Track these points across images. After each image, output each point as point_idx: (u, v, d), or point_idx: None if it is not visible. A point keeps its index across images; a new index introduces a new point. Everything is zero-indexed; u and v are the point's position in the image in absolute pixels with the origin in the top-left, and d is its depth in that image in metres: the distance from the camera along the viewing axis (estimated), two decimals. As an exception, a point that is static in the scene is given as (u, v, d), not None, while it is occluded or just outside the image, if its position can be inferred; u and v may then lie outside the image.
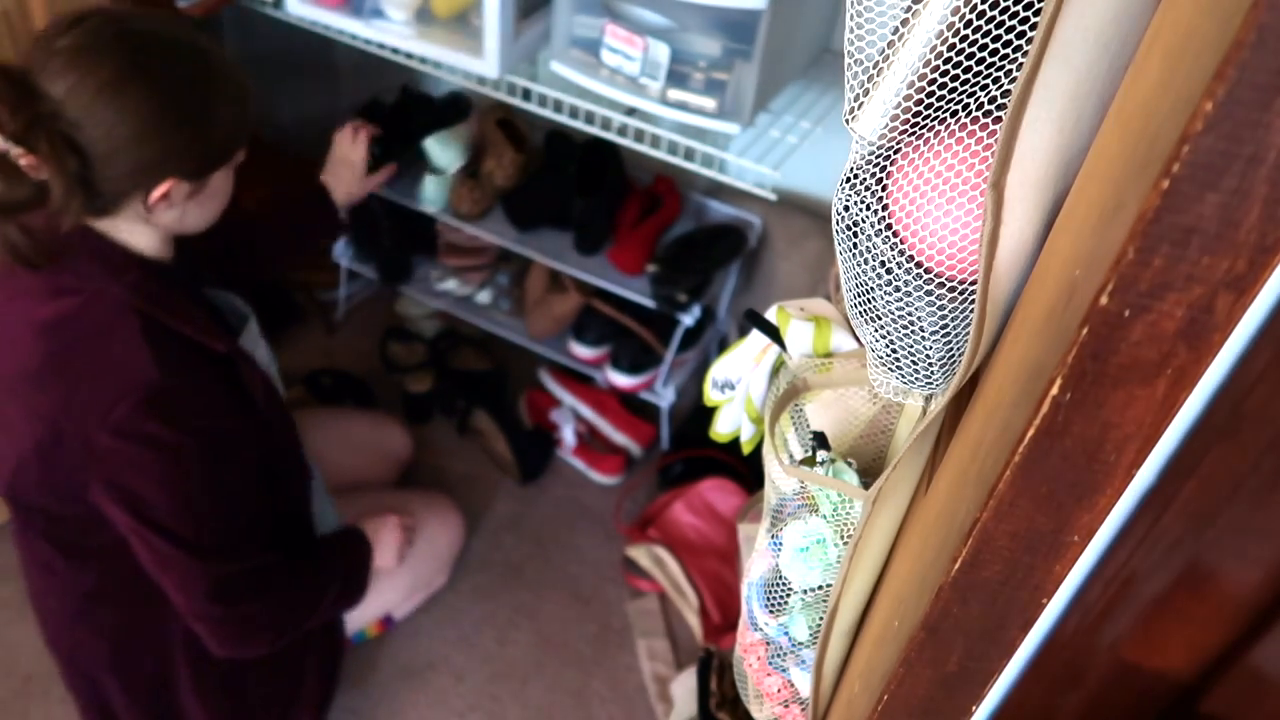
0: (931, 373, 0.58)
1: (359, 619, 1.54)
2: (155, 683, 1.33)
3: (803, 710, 0.86)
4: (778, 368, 0.89)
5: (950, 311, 0.54)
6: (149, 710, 1.34)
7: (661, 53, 1.29)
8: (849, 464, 0.75)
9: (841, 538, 0.74)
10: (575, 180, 1.75)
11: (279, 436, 1.26)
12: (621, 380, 1.82)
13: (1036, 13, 0.45)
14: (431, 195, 1.78)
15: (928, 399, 0.64)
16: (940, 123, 0.50)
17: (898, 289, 0.54)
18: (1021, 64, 0.45)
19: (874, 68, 0.49)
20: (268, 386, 1.23)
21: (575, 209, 1.72)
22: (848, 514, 0.74)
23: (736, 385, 0.93)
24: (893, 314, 0.55)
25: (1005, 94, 0.48)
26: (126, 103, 1.00)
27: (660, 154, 1.48)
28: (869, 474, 0.74)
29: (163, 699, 1.34)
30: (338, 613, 1.39)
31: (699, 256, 1.71)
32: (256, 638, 1.22)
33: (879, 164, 0.53)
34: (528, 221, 1.74)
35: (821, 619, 0.77)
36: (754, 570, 0.83)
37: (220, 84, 1.08)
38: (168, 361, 1.07)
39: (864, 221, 0.54)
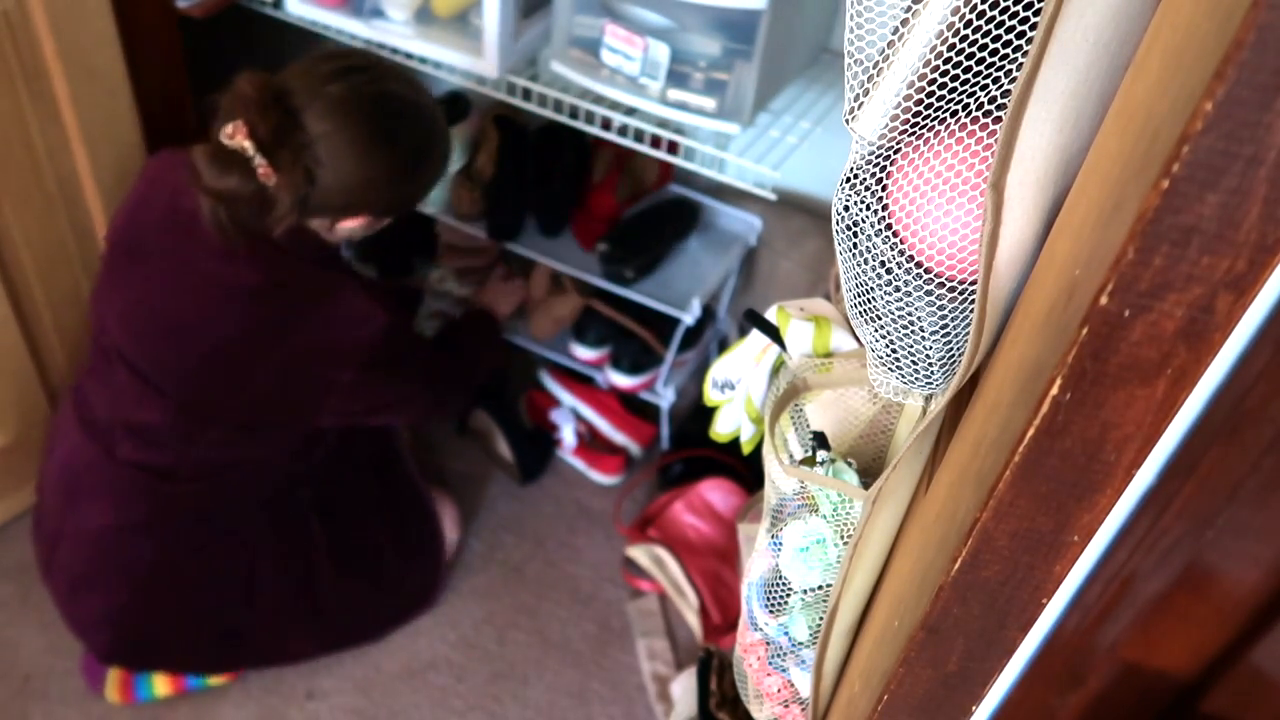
0: (931, 373, 0.58)
1: None
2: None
3: (803, 710, 0.86)
4: (778, 368, 0.89)
5: (950, 311, 0.54)
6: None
7: (661, 53, 1.29)
8: (849, 464, 0.75)
9: (841, 538, 0.74)
10: (532, 166, 1.78)
11: None
12: (622, 381, 1.82)
13: (1036, 13, 0.45)
14: (431, 195, 1.78)
15: (928, 399, 0.64)
16: (940, 123, 0.50)
17: (898, 289, 0.54)
18: (1021, 64, 0.45)
19: (874, 68, 0.49)
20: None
21: (533, 194, 1.76)
22: (848, 514, 0.74)
23: (736, 385, 0.93)
24: (893, 314, 0.55)
25: (1005, 94, 0.48)
26: (368, 161, 1.18)
27: (660, 154, 1.48)
28: (869, 474, 0.74)
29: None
30: (497, 359, 1.71)
31: (649, 235, 1.74)
32: (461, 401, 1.71)
33: (879, 164, 0.53)
34: (508, 228, 1.76)
35: (821, 619, 0.77)
36: (754, 570, 0.83)
37: (438, 148, 1.28)
38: (385, 304, 1.29)
39: (864, 221, 0.54)
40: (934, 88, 0.49)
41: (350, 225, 1.26)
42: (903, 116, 0.50)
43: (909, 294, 0.54)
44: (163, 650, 1.47)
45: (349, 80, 1.17)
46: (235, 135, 1.12)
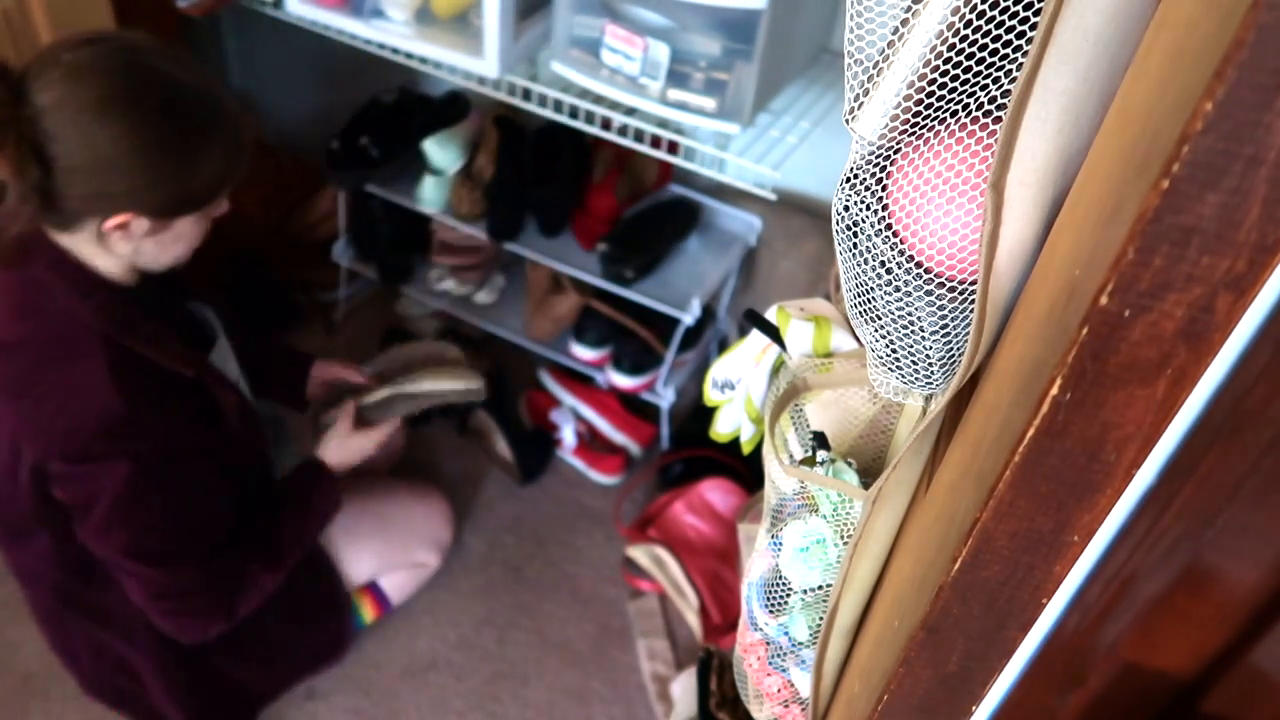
0: (931, 373, 0.58)
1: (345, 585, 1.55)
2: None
3: (803, 710, 0.86)
4: (778, 368, 0.89)
5: (950, 311, 0.54)
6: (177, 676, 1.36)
7: (661, 53, 1.29)
8: (849, 464, 0.75)
9: (841, 538, 0.74)
10: (531, 166, 1.77)
11: (246, 447, 1.29)
12: (623, 381, 1.82)
13: (1036, 13, 0.45)
14: (430, 196, 1.78)
15: (928, 399, 0.64)
16: (940, 123, 0.50)
17: (898, 289, 0.54)
18: (1021, 64, 0.45)
19: (874, 68, 0.49)
20: (240, 401, 1.25)
21: (533, 194, 1.75)
22: (848, 514, 0.74)
23: (736, 385, 0.93)
24: (893, 314, 0.55)
25: (1005, 94, 0.48)
26: (103, 129, 0.99)
27: (660, 154, 1.48)
28: (869, 474, 0.74)
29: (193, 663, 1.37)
30: (305, 546, 1.37)
31: (649, 234, 1.73)
32: (213, 622, 1.25)
33: (879, 164, 0.53)
34: (508, 228, 1.75)
35: (821, 619, 0.77)
36: (754, 570, 0.83)
37: (215, 136, 1.07)
38: (129, 389, 1.08)
39: (864, 221, 0.54)
40: (934, 88, 0.49)
41: (122, 231, 1.06)
42: (903, 116, 0.50)
43: (909, 294, 0.54)
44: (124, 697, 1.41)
45: (92, 47, 1.00)
46: None
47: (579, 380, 1.97)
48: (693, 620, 1.65)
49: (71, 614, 1.33)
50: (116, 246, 1.09)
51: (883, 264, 0.54)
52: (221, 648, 1.37)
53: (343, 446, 1.40)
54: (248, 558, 1.27)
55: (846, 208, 0.55)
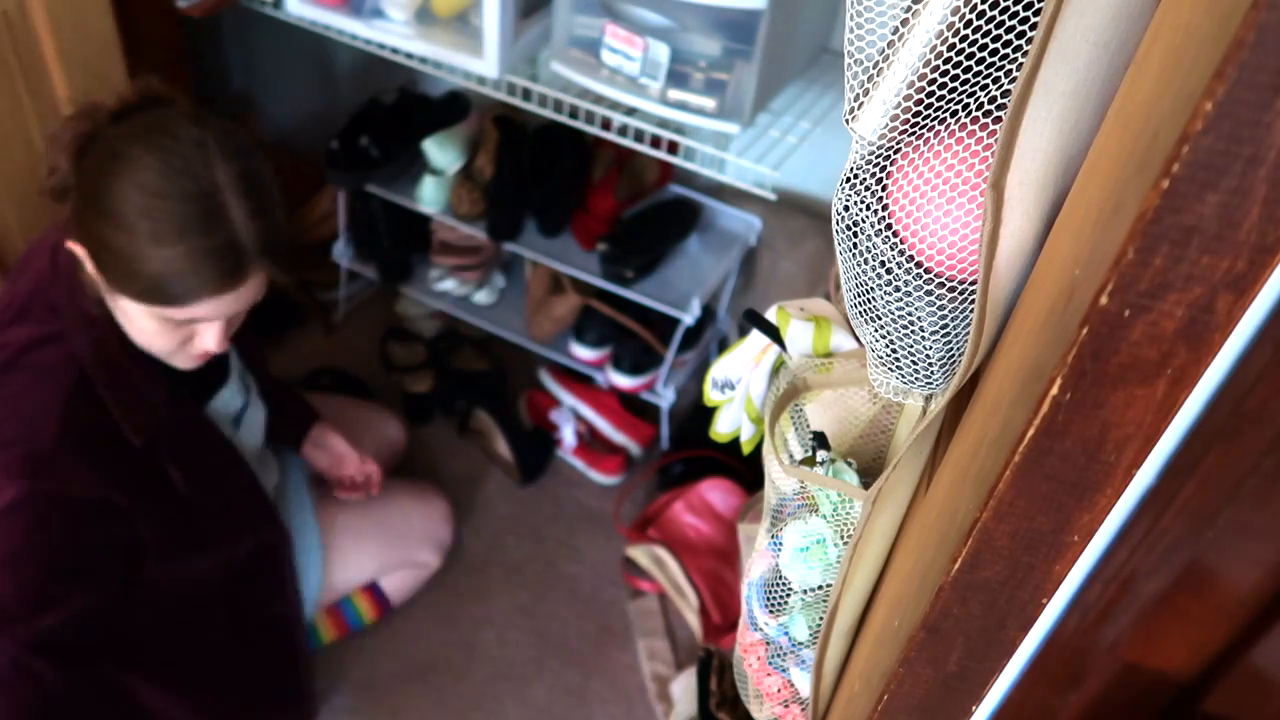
0: (931, 373, 0.58)
1: (343, 586, 1.53)
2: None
3: (803, 710, 0.86)
4: (778, 368, 0.89)
5: (950, 311, 0.54)
6: None
7: (661, 53, 1.29)
8: (849, 464, 0.75)
9: (841, 538, 0.74)
10: (531, 166, 1.77)
11: (208, 515, 1.23)
12: (623, 381, 1.82)
13: (1036, 13, 0.45)
14: (430, 196, 1.78)
15: (928, 399, 0.64)
16: (940, 123, 0.50)
17: (898, 289, 0.54)
18: (1021, 64, 0.45)
19: (874, 68, 0.49)
20: (221, 460, 1.22)
21: (532, 194, 1.75)
22: (848, 514, 0.74)
23: (736, 385, 0.93)
24: (893, 314, 0.55)
25: (1005, 94, 0.48)
26: (116, 183, 1.00)
27: (660, 154, 1.48)
28: (869, 474, 0.74)
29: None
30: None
31: (649, 234, 1.73)
32: (22, 703, 1.11)
33: (879, 164, 0.53)
34: (508, 229, 1.75)
35: (821, 619, 0.77)
36: (754, 570, 0.83)
37: (189, 244, 1.00)
38: (73, 431, 1.05)
39: (864, 221, 0.54)
40: (934, 88, 0.49)
41: (81, 260, 1.06)
42: (903, 116, 0.50)
43: (909, 294, 0.54)
44: None
45: (164, 130, 1.03)
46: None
47: (579, 380, 1.97)
48: (693, 620, 1.65)
49: None
50: (88, 275, 1.07)
51: (883, 264, 0.54)
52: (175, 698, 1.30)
53: None
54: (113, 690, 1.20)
55: (846, 208, 0.55)
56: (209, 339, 1.10)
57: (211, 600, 1.32)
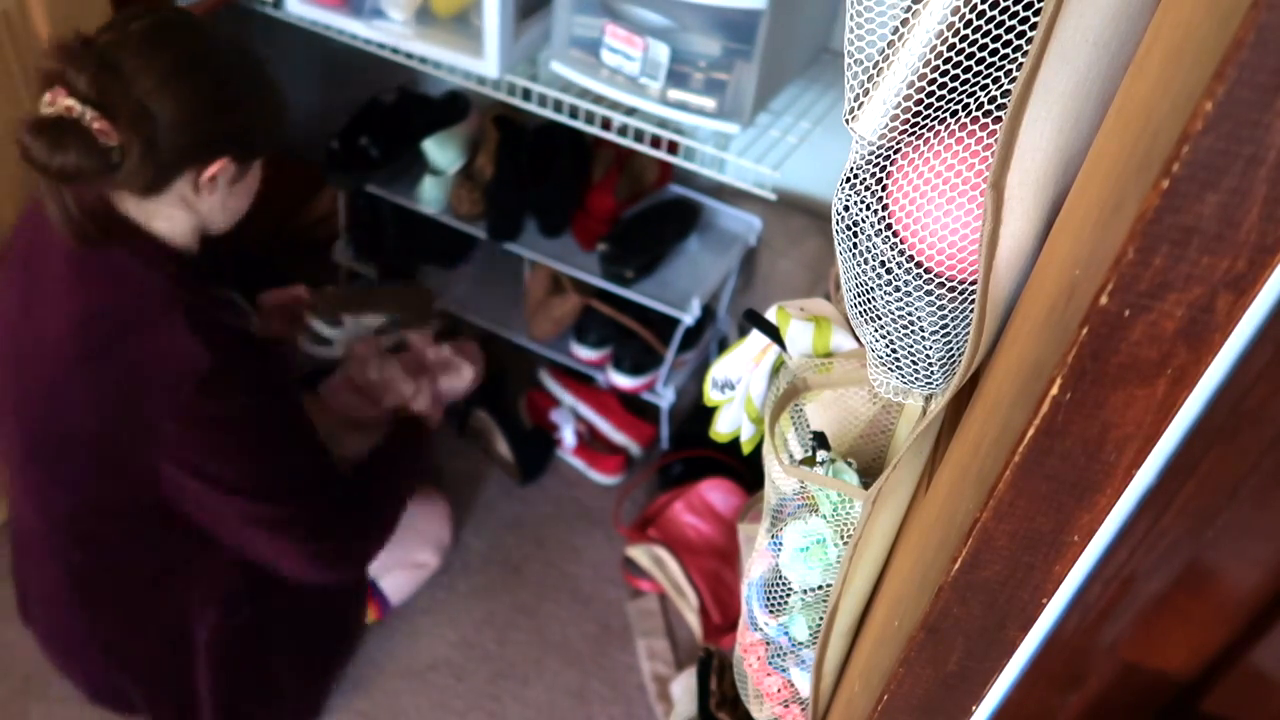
0: (931, 373, 0.58)
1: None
2: (165, 666, 1.35)
3: (803, 710, 0.86)
4: (778, 368, 0.89)
5: (950, 311, 0.54)
6: (161, 693, 1.36)
7: (661, 53, 1.29)
8: (849, 464, 0.75)
9: (841, 538, 0.74)
10: (530, 166, 1.77)
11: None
12: (624, 382, 1.82)
13: (1036, 13, 0.45)
14: (430, 196, 1.78)
15: (928, 399, 0.64)
16: (940, 123, 0.50)
17: (898, 289, 0.54)
18: (1021, 64, 0.45)
19: (874, 68, 0.49)
20: (289, 360, 1.35)
21: (532, 194, 1.75)
22: (848, 514, 0.74)
23: (736, 385, 0.93)
24: (893, 314, 0.55)
25: (1005, 94, 0.48)
26: (194, 82, 1.07)
27: (660, 154, 1.48)
28: (869, 474, 0.74)
29: (174, 681, 1.36)
30: (410, 489, 1.44)
31: (649, 235, 1.73)
32: (356, 556, 1.32)
33: (879, 164, 0.53)
34: (508, 229, 1.75)
35: (821, 619, 0.77)
36: (754, 570, 0.83)
37: (264, 80, 1.18)
38: (216, 345, 1.12)
39: (864, 221, 0.54)
40: (934, 88, 0.49)
41: (213, 182, 1.13)
42: (903, 116, 0.50)
43: (909, 294, 0.54)
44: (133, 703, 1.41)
45: (154, 16, 1.09)
46: (55, 99, 1.01)
47: (579, 380, 1.97)
48: (693, 620, 1.65)
49: (83, 604, 1.32)
50: (204, 202, 1.15)
51: (883, 264, 0.54)
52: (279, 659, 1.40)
53: (422, 391, 1.50)
54: (370, 488, 1.34)
55: (846, 208, 0.55)
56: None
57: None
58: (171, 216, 1.15)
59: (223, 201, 1.18)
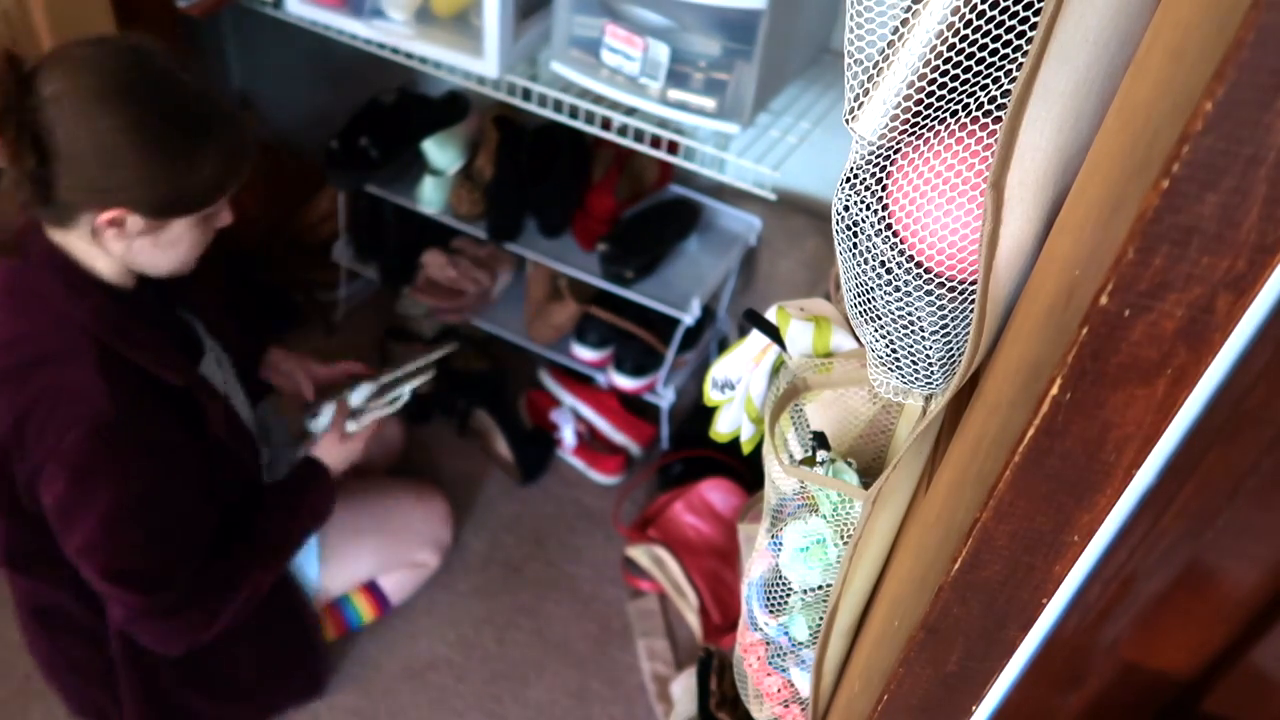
0: (931, 373, 0.58)
1: (340, 584, 1.53)
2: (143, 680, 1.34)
3: (803, 710, 0.86)
4: (778, 368, 0.89)
5: (950, 311, 0.54)
6: (133, 705, 1.35)
7: (661, 53, 1.29)
8: (849, 464, 0.75)
9: (841, 538, 0.74)
10: (530, 166, 1.77)
11: (232, 457, 1.27)
12: (625, 383, 1.82)
13: (1036, 13, 0.45)
14: (430, 196, 1.78)
15: (928, 399, 0.64)
16: (940, 123, 0.50)
17: (898, 289, 0.54)
18: (1021, 64, 0.45)
19: (874, 68, 0.49)
20: (228, 412, 1.25)
21: (532, 194, 1.75)
22: (848, 514, 0.74)
23: (736, 385, 0.93)
24: (893, 314, 0.55)
25: (1005, 94, 0.48)
26: (102, 119, 1.00)
27: (660, 154, 1.48)
28: (869, 474, 0.74)
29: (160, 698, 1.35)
30: (296, 545, 1.37)
31: (649, 235, 1.73)
32: (199, 633, 1.24)
33: (879, 164, 0.53)
34: (508, 229, 1.75)
35: (821, 619, 0.77)
36: (754, 570, 0.83)
37: (214, 139, 1.07)
38: (121, 396, 1.07)
39: (864, 221, 0.54)
40: (934, 88, 0.49)
41: (115, 228, 1.06)
42: (903, 116, 0.50)
43: (909, 294, 0.54)
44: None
45: (102, 44, 1.03)
46: None
47: (579, 380, 1.97)
48: (693, 620, 1.65)
49: (40, 627, 1.31)
50: (110, 245, 1.08)
51: (883, 264, 0.54)
52: (195, 683, 1.36)
53: (336, 447, 1.41)
54: (238, 557, 1.27)
55: (846, 208, 0.55)
56: (226, 213, 1.16)
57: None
58: (87, 251, 1.10)
59: (131, 248, 1.10)
